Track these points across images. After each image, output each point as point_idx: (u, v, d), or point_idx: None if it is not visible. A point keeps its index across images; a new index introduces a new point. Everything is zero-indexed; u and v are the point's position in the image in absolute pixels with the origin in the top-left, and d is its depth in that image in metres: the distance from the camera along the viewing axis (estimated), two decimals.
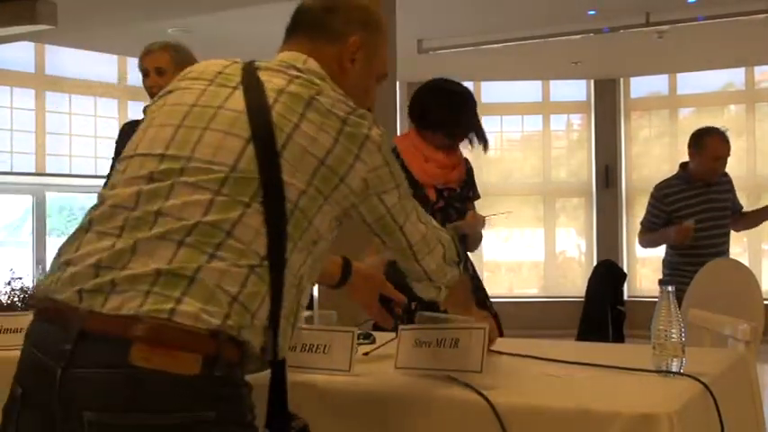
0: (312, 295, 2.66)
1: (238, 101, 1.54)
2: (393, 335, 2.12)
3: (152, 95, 3.53)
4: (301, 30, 1.72)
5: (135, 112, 8.75)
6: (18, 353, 2.33)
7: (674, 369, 1.82)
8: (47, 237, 9.38)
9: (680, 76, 10.66)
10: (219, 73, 1.62)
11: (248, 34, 6.98)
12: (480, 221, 3.24)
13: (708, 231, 4.62)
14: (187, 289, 1.36)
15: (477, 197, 3.39)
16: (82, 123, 9.44)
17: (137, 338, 1.32)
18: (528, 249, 11.10)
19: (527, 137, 11.38)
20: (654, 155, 10.84)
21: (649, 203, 4.79)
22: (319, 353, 1.92)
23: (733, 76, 10.61)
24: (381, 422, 1.74)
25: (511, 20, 7.96)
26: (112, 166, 3.82)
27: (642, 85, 11.04)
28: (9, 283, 7.40)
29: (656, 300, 1.88)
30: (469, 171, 3.36)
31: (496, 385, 1.73)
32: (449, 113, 3.20)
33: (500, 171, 11.07)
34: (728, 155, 4.72)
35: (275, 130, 1.50)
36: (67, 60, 9.24)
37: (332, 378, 1.84)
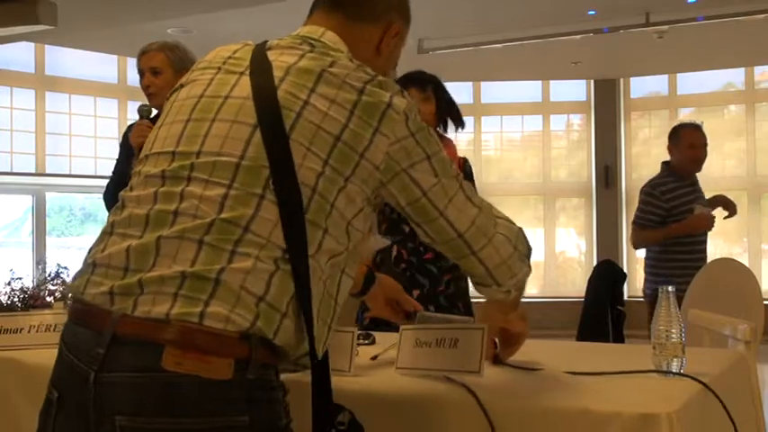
0: None
1: (245, 86, 1.48)
2: (396, 336, 2.11)
3: (148, 95, 3.53)
4: (335, 5, 1.64)
5: (135, 112, 8.73)
6: (18, 353, 2.33)
7: (675, 369, 1.82)
8: (47, 237, 9.39)
9: (680, 76, 10.66)
10: (229, 58, 1.56)
11: (248, 34, 6.97)
12: None
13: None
14: (213, 292, 1.33)
15: None
16: (82, 123, 9.45)
17: (169, 342, 1.31)
18: None
19: (527, 137, 11.38)
20: (654, 155, 10.83)
21: (644, 202, 4.76)
22: None
23: (733, 77, 10.62)
24: (381, 422, 1.73)
25: (511, 20, 7.96)
26: (115, 168, 3.82)
27: (642, 86, 11.04)
28: (9, 284, 7.39)
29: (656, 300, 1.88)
30: (464, 169, 3.27)
31: (497, 386, 1.73)
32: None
33: (500, 171, 11.08)
34: (705, 143, 4.81)
35: (282, 111, 1.43)
36: (67, 60, 9.24)
37: (332, 378, 1.84)
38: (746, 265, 4.49)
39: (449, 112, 3.26)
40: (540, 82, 11.09)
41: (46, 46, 9.03)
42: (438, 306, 3.12)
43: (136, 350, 1.32)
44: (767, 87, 10.68)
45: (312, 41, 1.56)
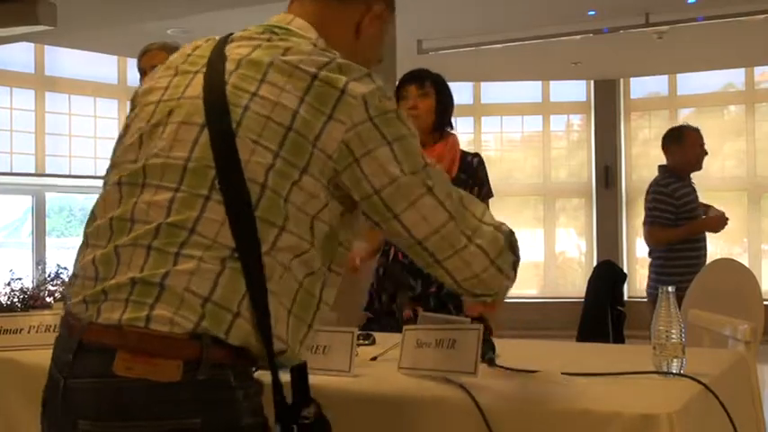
0: None
1: (197, 85, 1.44)
2: (397, 337, 2.11)
3: None
4: None
5: None
6: (17, 354, 2.34)
7: (675, 369, 1.81)
8: (46, 237, 9.39)
9: (680, 76, 10.66)
10: (189, 56, 1.52)
11: None
12: None
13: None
14: (159, 296, 1.33)
15: (485, 195, 3.18)
16: (82, 124, 9.45)
17: (120, 347, 1.32)
18: (528, 250, 11.08)
19: (527, 137, 11.38)
20: (654, 155, 10.80)
21: (656, 201, 4.77)
22: (319, 353, 1.91)
23: (733, 77, 10.62)
24: (381, 423, 1.73)
25: (511, 20, 7.96)
26: None
27: (642, 86, 11.04)
28: (9, 284, 7.40)
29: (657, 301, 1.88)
30: (471, 166, 3.18)
31: (496, 388, 1.73)
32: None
33: (500, 171, 11.07)
34: (704, 143, 4.95)
35: (230, 107, 1.38)
36: (67, 60, 9.24)
37: (332, 378, 1.84)
38: (746, 265, 4.50)
39: (450, 109, 3.21)
40: (539, 82, 11.09)
41: (45, 46, 9.03)
42: (428, 308, 3.08)
43: (96, 356, 1.34)
44: (767, 88, 10.68)
45: (276, 30, 1.51)
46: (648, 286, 4.91)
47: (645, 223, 4.87)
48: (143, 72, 3.56)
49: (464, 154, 3.21)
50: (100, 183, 1.55)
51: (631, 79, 10.95)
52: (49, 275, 7.62)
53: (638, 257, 10.59)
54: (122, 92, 9.58)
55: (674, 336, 1.82)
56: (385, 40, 1.70)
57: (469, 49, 8.49)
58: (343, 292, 2.05)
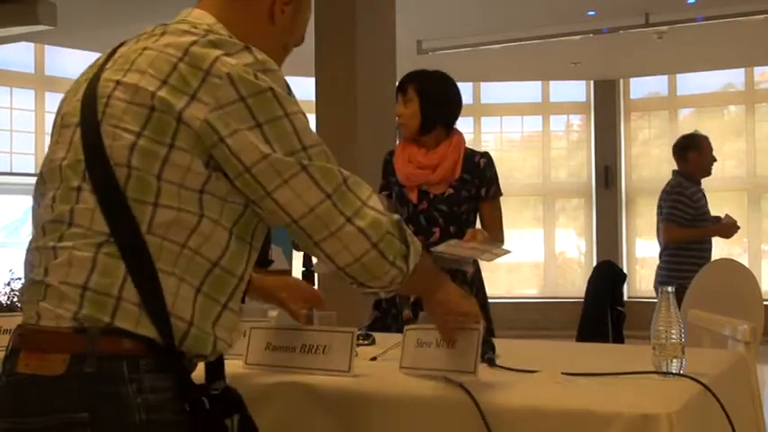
0: None
1: (83, 89, 1.46)
2: (396, 337, 2.11)
3: None
4: None
5: None
6: None
7: (674, 370, 1.81)
8: None
9: (679, 76, 10.67)
10: (94, 65, 1.53)
11: None
12: (475, 249, 2.76)
13: None
14: (44, 294, 1.36)
15: (495, 195, 3.14)
16: None
17: (21, 346, 1.37)
18: (527, 250, 11.10)
19: (527, 137, 11.38)
20: (653, 156, 10.85)
21: (678, 201, 4.97)
22: (319, 353, 1.91)
23: (732, 77, 10.63)
24: (381, 423, 1.73)
25: (511, 20, 7.96)
26: None
27: (642, 86, 11.05)
28: (9, 284, 7.40)
29: (656, 301, 1.88)
30: (477, 167, 3.13)
31: (496, 388, 1.73)
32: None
33: (500, 172, 11.01)
34: None
35: (97, 100, 1.39)
36: (67, 60, 9.24)
37: (332, 378, 1.84)
38: (746, 265, 4.51)
39: (439, 108, 3.14)
40: (539, 82, 11.10)
41: (46, 46, 9.04)
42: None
43: (11, 357, 1.38)
44: (767, 88, 10.68)
45: (166, 24, 1.51)
46: (657, 282, 5.11)
47: (661, 221, 5.08)
48: None
49: (471, 153, 3.15)
50: None
51: (631, 79, 10.96)
52: None
53: (637, 257, 10.60)
54: None
55: (673, 336, 1.82)
56: (306, 18, 1.64)
57: (469, 49, 8.50)
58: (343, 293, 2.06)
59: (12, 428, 1.34)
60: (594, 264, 9.24)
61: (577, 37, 8.27)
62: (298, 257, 2.74)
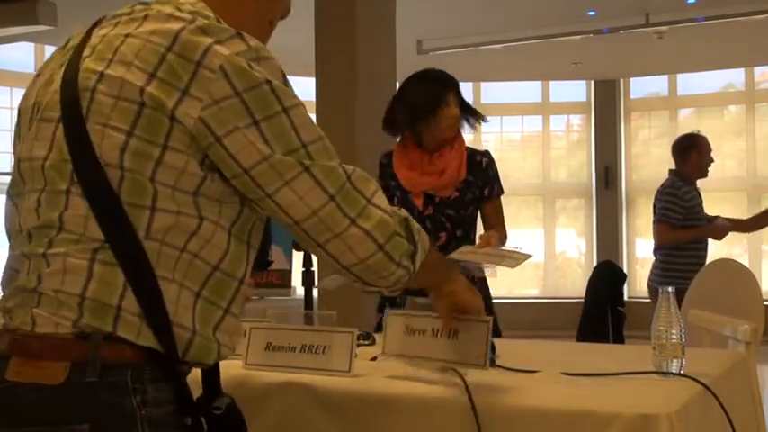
0: (311, 295, 2.65)
1: (58, 78, 1.34)
2: None
3: None
4: None
5: None
6: None
7: (675, 370, 1.82)
8: None
9: (680, 76, 10.66)
10: (62, 50, 1.42)
11: None
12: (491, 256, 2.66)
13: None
14: (38, 301, 1.27)
15: (497, 193, 3.12)
16: None
17: (11, 352, 1.28)
18: (528, 250, 11.06)
19: (527, 137, 11.38)
20: (654, 156, 10.84)
21: (670, 202, 4.97)
22: (319, 353, 1.91)
23: (733, 77, 10.62)
24: (381, 423, 1.73)
25: (511, 20, 7.96)
26: None
27: (642, 86, 11.05)
28: None
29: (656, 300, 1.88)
30: (480, 166, 3.11)
31: (496, 388, 1.73)
32: (406, 117, 3.06)
33: (500, 171, 11.07)
34: None
35: (80, 93, 1.29)
36: None
37: (332, 378, 1.84)
38: (746, 265, 4.51)
39: (468, 110, 3.18)
40: (540, 82, 11.10)
41: (46, 46, 9.03)
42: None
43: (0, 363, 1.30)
44: (767, 88, 10.68)
45: (147, 3, 1.39)
46: (651, 280, 5.11)
47: (654, 221, 5.10)
48: None
49: (472, 153, 3.14)
50: None
51: (631, 79, 10.95)
52: None
53: (638, 258, 10.60)
54: None
55: (674, 336, 1.82)
56: None
57: (470, 49, 8.49)
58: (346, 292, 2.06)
59: None
60: (595, 264, 9.24)
61: (578, 37, 8.27)
62: (298, 257, 2.74)
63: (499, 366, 1.92)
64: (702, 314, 2.98)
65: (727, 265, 4.39)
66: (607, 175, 10.82)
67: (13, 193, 1.38)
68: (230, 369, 1.57)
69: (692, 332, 2.65)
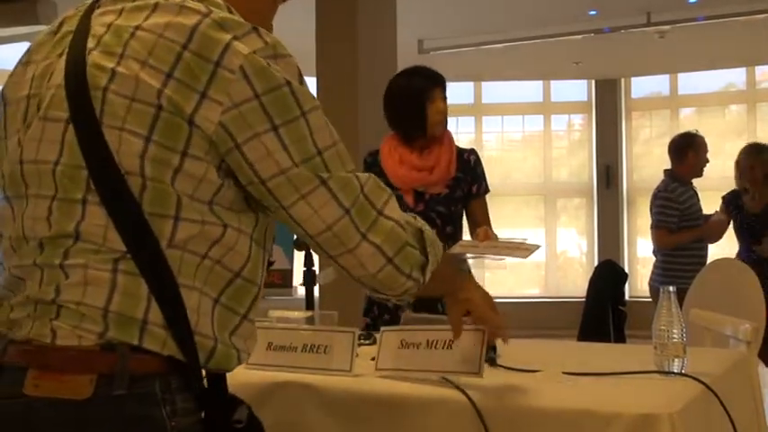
0: (313, 296, 2.66)
1: (61, 71, 1.26)
2: None
3: None
4: None
5: None
6: None
7: (676, 369, 1.81)
8: None
9: (681, 76, 10.65)
10: (54, 34, 1.35)
11: None
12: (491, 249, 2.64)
13: None
14: (58, 313, 1.20)
15: (484, 191, 3.14)
16: None
17: (29, 365, 1.20)
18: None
19: (528, 137, 11.37)
20: (655, 155, 10.82)
21: (663, 206, 4.97)
22: (320, 353, 1.91)
23: (734, 77, 10.61)
24: (381, 423, 1.73)
25: (511, 20, 7.96)
26: None
27: (643, 86, 11.03)
28: None
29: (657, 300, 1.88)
30: (468, 164, 3.13)
31: (496, 389, 1.72)
32: (398, 113, 3.10)
33: (500, 171, 11.06)
34: None
35: (91, 92, 1.21)
36: None
37: (332, 378, 1.83)
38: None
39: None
40: (540, 82, 11.08)
41: None
42: (435, 312, 3.05)
43: (7, 376, 1.22)
44: None
45: None
46: (652, 279, 5.12)
47: (651, 226, 5.09)
48: None
49: (460, 151, 3.15)
50: None
51: (632, 79, 10.94)
52: None
53: (639, 257, 10.59)
54: None
55: (675, 335, 1.82)
56: None
57: (470, 48, 8.49)
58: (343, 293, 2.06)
59: None
60: (596, 263, 9.23)
61: (579, 36, 8.26)
62: (298, 257, 2.74)
63: (500, 366, 1.92)
64: (703, 313, 2.98)
65: (728, 264, 4.39)
66: (608, 175, 10.81)
67: (10, 195, 1.30)
68: None
69: (693, 332, 2.65)
